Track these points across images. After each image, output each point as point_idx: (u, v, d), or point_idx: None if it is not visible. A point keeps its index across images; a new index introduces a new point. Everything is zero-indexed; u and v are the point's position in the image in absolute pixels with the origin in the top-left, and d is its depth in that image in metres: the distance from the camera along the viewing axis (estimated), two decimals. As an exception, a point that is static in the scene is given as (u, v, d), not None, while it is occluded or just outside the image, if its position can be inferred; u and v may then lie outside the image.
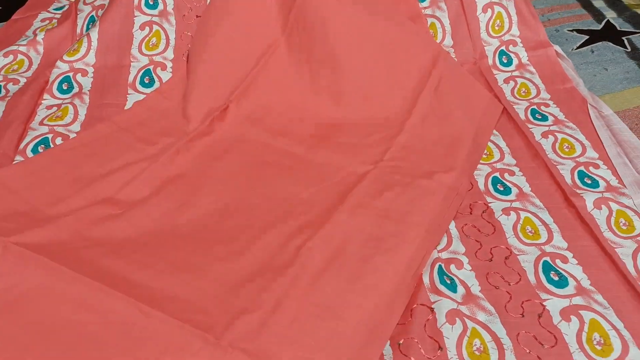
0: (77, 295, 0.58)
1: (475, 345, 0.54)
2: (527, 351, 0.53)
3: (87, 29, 1.00)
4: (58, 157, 0.78)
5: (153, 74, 0.94)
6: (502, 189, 0.72)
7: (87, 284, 0.58)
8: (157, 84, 0.92)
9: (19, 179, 0.74)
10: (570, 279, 0.60)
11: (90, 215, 0.69)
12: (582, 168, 0.74)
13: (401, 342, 0.55)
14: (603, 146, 0.78)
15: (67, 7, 1.15)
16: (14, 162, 0.78)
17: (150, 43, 0.97)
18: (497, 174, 0.74)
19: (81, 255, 0.63)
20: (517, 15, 0.97)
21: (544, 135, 0.80)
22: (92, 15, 1.01)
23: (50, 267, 0.60)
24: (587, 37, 1.03)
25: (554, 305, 0.57)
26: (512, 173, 0.74)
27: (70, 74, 0.92)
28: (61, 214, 0.69)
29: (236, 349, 0.53)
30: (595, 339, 0.54)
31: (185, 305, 0.57)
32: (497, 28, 0.96)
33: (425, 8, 0.97)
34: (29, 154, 0.80)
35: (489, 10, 0.96)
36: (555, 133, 0.80)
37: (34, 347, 0.54)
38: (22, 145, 0.81)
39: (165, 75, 0.94)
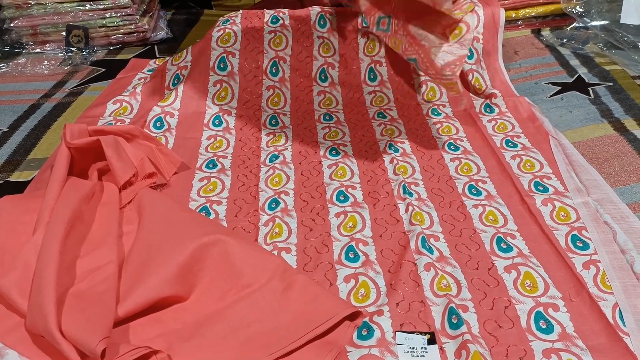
0: None
1: (443, 283, 0.79)
2: (477, 288, 0.78)
3: (173, 83, 1.34)
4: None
5: (222, 118, 1.26)
6: (475, 192, 0.98)
7: None
8: (224, 125, 1.24)
9: None
10: (515, 248, 0.85)
11: None
12: (537, 180, 1.00)
13: (392, 282, 0.80)
14: (557, 165, 1.03)
15: (156, 69, 1.51)
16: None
17: (220, 96, 1.29)
18: (472, 183, 1.00)
19: None
20: (490, 80, 1.28)
21: (513, 157, 1.06)
22: (177, 74, 1.35)
23: None
24: (560, 88, 1.30)
25: (500, 263, 0.82)
26: (484, 182, 1.00)
27: (162, 115, 1.25)
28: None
29: None
30: (526, 283, 0.79)
31: None
32: (477, 87, 1.27)
33: (424, 75, 1.29)
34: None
35: (470, 74, 1.29)
36: (522, 156, 1.06)
37: None
38: None
39: (231, 120, 1.25)
